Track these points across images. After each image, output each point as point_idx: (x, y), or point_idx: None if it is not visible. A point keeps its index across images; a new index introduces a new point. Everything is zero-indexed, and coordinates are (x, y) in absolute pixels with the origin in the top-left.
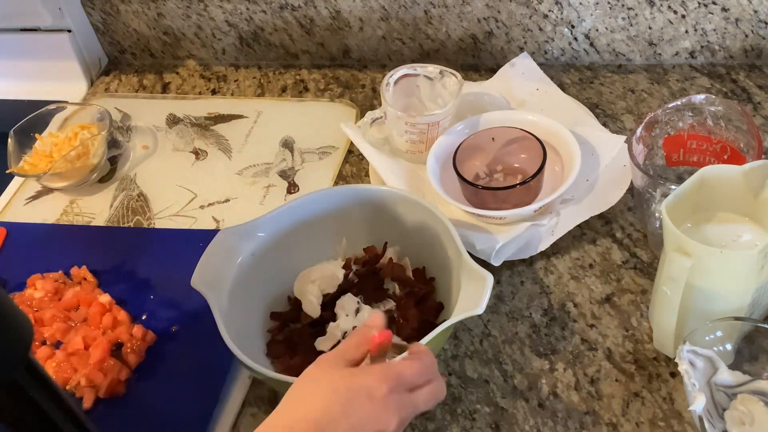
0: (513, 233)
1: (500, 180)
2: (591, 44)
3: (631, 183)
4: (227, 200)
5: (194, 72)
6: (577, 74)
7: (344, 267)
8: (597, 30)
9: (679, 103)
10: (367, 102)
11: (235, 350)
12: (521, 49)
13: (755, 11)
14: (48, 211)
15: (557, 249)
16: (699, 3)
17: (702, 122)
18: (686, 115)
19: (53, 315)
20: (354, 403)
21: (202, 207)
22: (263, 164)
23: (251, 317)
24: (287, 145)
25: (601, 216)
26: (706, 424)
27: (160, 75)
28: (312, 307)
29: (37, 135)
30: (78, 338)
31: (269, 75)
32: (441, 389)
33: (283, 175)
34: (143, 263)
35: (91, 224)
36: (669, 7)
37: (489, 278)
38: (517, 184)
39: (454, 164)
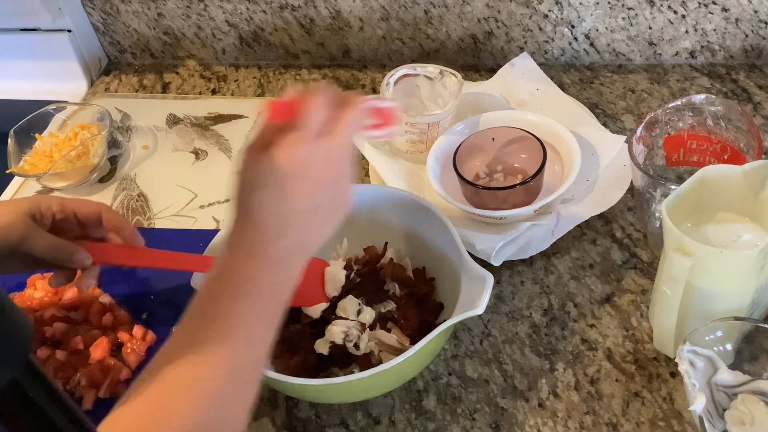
0: (513, 233)
1: (500, 180)
2: (591, 44)
3: (631, 183)
4: (227, 200)
5: (194, 72)
6: (577, 74)
7: (345, 267)
8: (597, 30)
9: (679, 103)
10: None
11: None
12: (521, 49)
13: (755, 11)
14: None
15: (557, 249)
16: (699, 3)
17: (702, 122)
18: (686, 115)
19: (53, 315)
20: (285, 184)
21: (202, 207)
22: None
23: None
24: None
25: (601, 216)
26: (707, 424)
27: (160, 75)
28: (313, 308)
29: (37, 135)
30: (78, 338)
31: (269, 75)
32: (355, 113)
33: None
34: None
35: None
36: (669, 7)
37: (489, 278)
38: (517, 184)
39: (454, 164)
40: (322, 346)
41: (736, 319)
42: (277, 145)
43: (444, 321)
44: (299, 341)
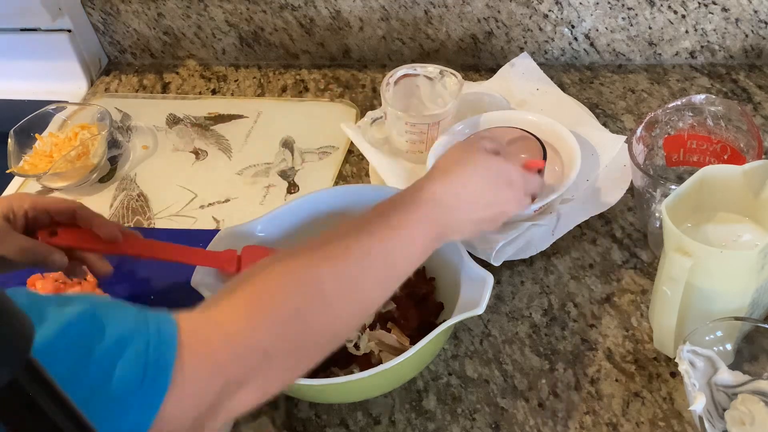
0: (513, 233)
1: None
2: (591, 44)
3: (631, 183)
4: (227, 200)
5: (194, 72)
6: (577, 74)
7: None
8: (597, 30)
9: (679, 103)
10: (367, 102)
11: None
12: (521, 49)
13: (755, 11)
14: None
15: (557, 249)
16: (699, 3)
17: (702, 122)
18: (686, 115)
19: None
20: (499, 182)
21: (202, 207)
22: (263, 164)
23: None
24: (287, 145)
25: (601, 216)
26: (707, 424)
27: (160, 75)
28: None
29: (37, 135)
30: None
31: (269, 75)
32: (537, 183)
33: (283, 175)
34: (143, 263)
35: None
36: (669, 7)
37: (489, 278)
38: None
39: None
40: None
41: (736, 319)
42: (506, 159)
43: (444, 321)
44: None
